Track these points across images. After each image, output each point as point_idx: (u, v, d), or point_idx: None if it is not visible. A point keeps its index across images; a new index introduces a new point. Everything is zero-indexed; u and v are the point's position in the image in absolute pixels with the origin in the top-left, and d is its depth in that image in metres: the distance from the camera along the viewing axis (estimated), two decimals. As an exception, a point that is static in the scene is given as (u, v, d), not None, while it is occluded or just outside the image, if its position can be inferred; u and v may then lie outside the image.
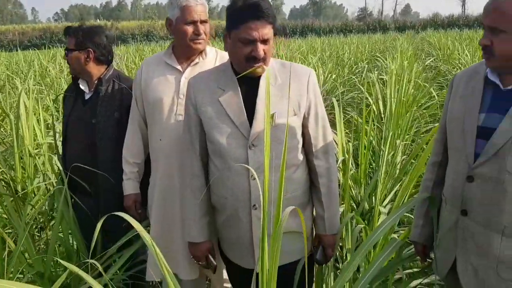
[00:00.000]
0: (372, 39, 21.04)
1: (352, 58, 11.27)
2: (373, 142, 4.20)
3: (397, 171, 3.45)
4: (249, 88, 1.71)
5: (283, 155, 1.24)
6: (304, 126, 1.78)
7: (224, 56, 2.20)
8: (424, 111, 5.54)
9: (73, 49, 2.31)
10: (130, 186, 2.24)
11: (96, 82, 2.35)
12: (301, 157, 1.79)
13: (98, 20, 52.10)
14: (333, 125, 3.09)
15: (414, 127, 4.72)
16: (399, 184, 3.31)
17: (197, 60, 2.13)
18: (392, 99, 4.19)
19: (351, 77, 8.07)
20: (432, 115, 5.60)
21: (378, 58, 10.43)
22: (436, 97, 5.73)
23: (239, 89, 1.72)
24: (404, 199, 2.85)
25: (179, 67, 2.13)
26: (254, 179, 1.67)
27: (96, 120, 2.29)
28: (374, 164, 4.14)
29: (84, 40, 2.31)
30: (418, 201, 1.80)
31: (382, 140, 3.56)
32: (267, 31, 1.62)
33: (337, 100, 4.98)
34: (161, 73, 2.14)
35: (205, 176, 1.84)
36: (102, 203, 2.32)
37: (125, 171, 2.24)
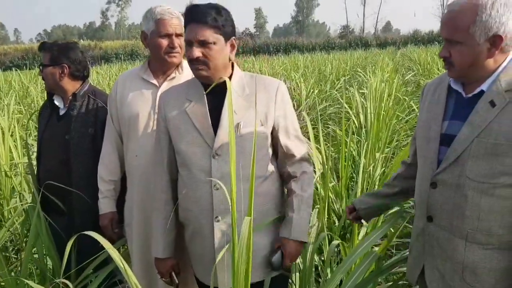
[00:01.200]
0: (354, 56, 21.31)
1: (334, 74, 11.38)
2: (354, 153, 4.22)
3: (376, 183, 3.46)
4: (216, 98, 1.71)
5: (252, 166, 1.22)
6: (276, 138, 1.77)
7: None
8: (405, 124, 5.60)
9: (48, 65, 2.28)
10: (106, 205, 2.20)
11: (70, 97, 2.32)
12: (270, 168, 1.77)
13: (81, 40, 51.97)
14: (309, 140, 3.09)
15: (394, 140, 4.76)
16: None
17: (173, 74, 2.12)
18: (372, 113, 4.22)
19: (333, 92, 8.15)
20: (412, 128, 5.65)
21: (359, 74, 10.56)
22: (416, 110, 5.79)
23: (206, 99, 1.72)
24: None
25: (155, 81, 2.11)
26: (217, 189, 1.65)
27: (70, 136, 2.25)
28: (356, 177, 4.15)
29: (59, 55, 2.28)
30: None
31: (362, 153, 3.58)
32: (206, 34, 1.61)
33: (320, 115, 4.99)
34: (137, 88, 2.12)
35: (174, 191, 1.83)
36: (78, 222, 2.26)
37: (100, 189, 2.20)
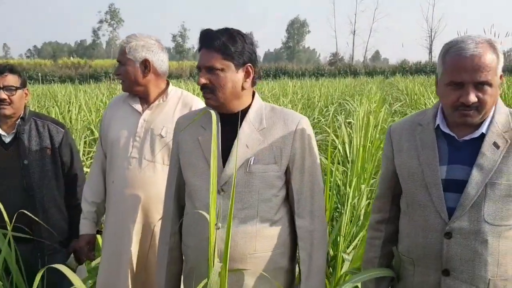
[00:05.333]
0: (343, 83, 21.55)
1: (322, 101, 11.46)
2: (339, 183, 4.18)
3: (361, 216, 3.42)
4: (232, 129, 1.55)
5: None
6: (288, 179, 1.62)
7: (187, 98, 2.14)
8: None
9: (20, 87, 2.17)
10: (85, 226, 2.16)
11: (19, 121, 2.19)
12: (282, 211, 1.63)
13: (71, 57, 51.92)
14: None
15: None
16: (364, 230, 3.26)
17: (157, 102, 2.09)
18: (358, 144, 4.22)
19: (321, 120, 8.17)
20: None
21: (348, 102, 10.64)
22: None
23: (221, 128, 1.58)
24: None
25: (139, 108, 2.08)
26: (218, 228, 1.52)
27: (28, 161, 2.17)
28: (340, 207, 4.10)
29: (24, 77, 2.22)
30: (365, 261, 1.69)
31: (347, 184, 3.55)
32: (212, 60, 1.53)
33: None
34: (122, 113, 2.11)
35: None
36: (49, 248, 2.17)
37: (83, 210, 2.16)
